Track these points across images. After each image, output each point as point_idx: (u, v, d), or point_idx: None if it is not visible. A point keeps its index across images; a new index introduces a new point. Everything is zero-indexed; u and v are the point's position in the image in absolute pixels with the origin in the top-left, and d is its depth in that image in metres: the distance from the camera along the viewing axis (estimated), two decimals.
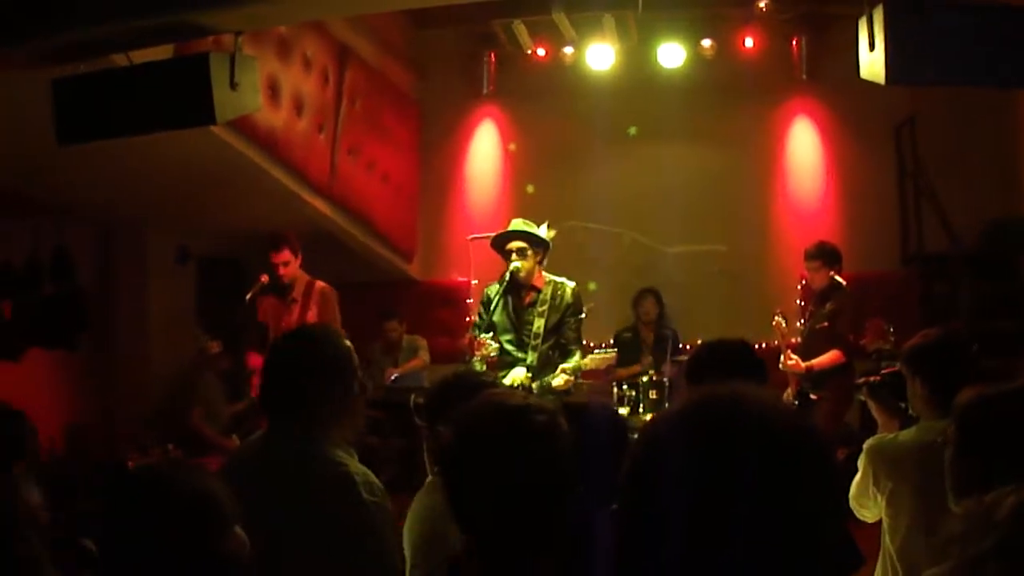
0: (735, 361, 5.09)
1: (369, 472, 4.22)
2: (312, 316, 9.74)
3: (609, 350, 9.70)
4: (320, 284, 10.06)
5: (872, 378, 5.77)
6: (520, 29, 13.39)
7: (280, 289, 9.96)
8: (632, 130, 14.22)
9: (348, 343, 4.47)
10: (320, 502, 4.02)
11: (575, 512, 2.88)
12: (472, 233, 13.36)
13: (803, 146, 14.75)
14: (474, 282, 12.54)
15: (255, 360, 10.49)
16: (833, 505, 1.91)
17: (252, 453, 4.47)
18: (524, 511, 2.84)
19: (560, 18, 12.19)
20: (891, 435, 5.42)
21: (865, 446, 5.38)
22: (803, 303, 11.19)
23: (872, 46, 5.75)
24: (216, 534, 2.88)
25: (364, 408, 4.71)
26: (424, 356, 13.44)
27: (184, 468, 3.14)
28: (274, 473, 4.16)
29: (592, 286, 11.71)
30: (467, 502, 2.90)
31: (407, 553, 4.38)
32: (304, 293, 9.97)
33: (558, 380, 8.94)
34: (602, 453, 3.01)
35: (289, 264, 9.86)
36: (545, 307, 9.10)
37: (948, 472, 3.72)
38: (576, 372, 9.09)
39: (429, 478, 4.63)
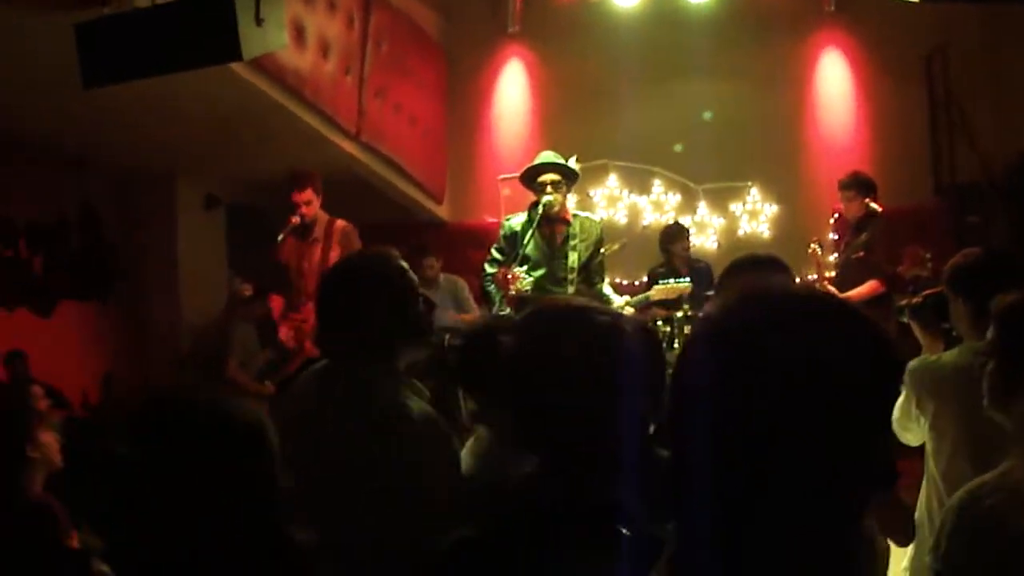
0: (766, 267, 5.06)
1: (431, 409, 4.04)
2: (335, 256, 9.53)
3: (682, 280, 9.57)
4: (340, 222, 9.93)
5: (915, 300, 5.72)
6: None
7: (302, 229, 9.85)
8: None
9: (400, 261, 4.30)
10: (377, 439, 3.86)
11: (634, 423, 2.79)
12: (501, 173, 13.31)
13: (833, 79, 14.66)
14: (503, 221, 12.52)
15: (276, 302, 10.41)
16: (885, 395, 1.87)
17: (310, 389, 4.28)
18: (590, 418, 2.74)
19: None
20: (934, 357, 5.36)
21: (908, 368, 5.31)
22: (837, 236, 11.11)
23: None
24: (269, 471, 2.78)
25: (431, 325, 4.55)
26: (473, 305, 13.35)
27: (232, 397, 3.00)
28: (332, 410, 4.03)
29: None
30: (529, 411, 2.81)
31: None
32: (325, 233, 9.86)
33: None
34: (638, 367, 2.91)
35: (311, 203, 9.74)
36: (576, 241, 9.03)
37: (987, 378, 3.65)
38: (640, 304, 9.07)
39: (472, 437, 4.41)
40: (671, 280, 9.55)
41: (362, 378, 4.06)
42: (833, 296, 1.92)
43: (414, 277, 4.32)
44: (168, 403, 2.82)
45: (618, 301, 9.03)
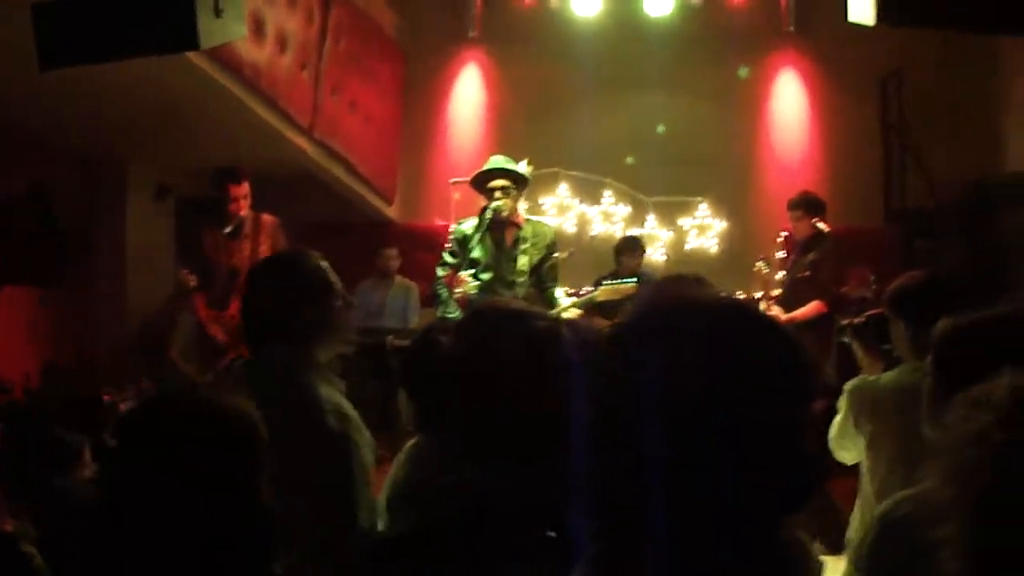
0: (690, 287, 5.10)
1: (344, 401, 4.16)
2: (264, 251, 9.51)
3: (628, 280, 9.56)
4: (267, 217, 9.88)
5: (857, 320, 5.79)
6: None
7: (237, 223, 9.79)
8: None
9: (320, 261, 4.45)
10: (288, 430, 3.64)
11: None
12: (453, 177, 13.34)
13: (788, 98, 14.78)
14: (454, 225, 12.56)
15: (199, 300, 10.30)
16: (795, 391, 1.90)
17: (234, 381, 4.45)
18: (528, 419, 2.75)
19: None
20: (873, 377, 5.43)
21: (846, 387, 5.41)
22: (785, 255, 11.21)
23: None
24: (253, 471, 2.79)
25: (349, 323, 4.79)
26: (416, 312, 13.38)
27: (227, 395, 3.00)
28: (256, 398, 4.08)
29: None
30: (468, 413, 2.83)
31: (386, 498, 4.23)
32: (253, 228, 9.81)
33: (568, 313, 8.86)
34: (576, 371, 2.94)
35: (247, 197, 9.72)
36: (527, 245, 9.06)
37: (925, 401, 3.70)
38: (586, 304, 9.08)
39: (412, 441, 4.43)
40: (618, 281, 9.55)
41: (280, 367, 4.20)
42: (744, 303, 1.94)
43: (333, 277, 4.44)
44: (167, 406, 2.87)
45: (565, 303, 9.06)
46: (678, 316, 1.87)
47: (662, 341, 1.81)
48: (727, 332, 1.84)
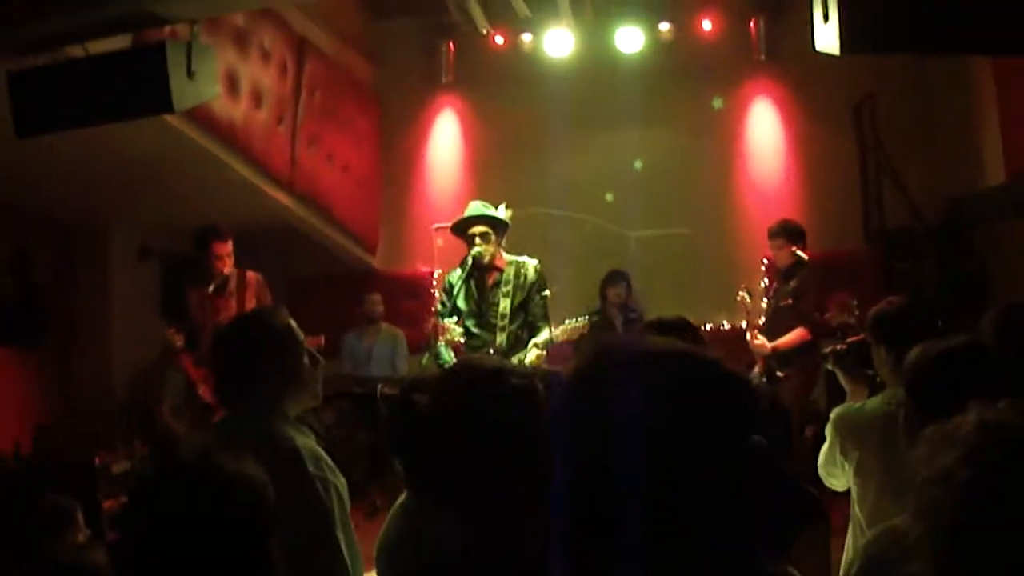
0: (671, 330, 5.12)
1: (317, 448, 4.37)
2: (251, 306, 9.56)
3: (580, 319, 9.54)
4: (252, 274, 9.93)
5: (838, 346, 5.82)
6: (475, 9, 13.38)
7: (221, 281, 9.83)
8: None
9: (287, 320, 4.62)
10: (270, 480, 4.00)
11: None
12: (435, 222, 13.37)
13: (763, 127, 14.79)
14: (437, 272, 12.54)
15: (186, 360, 10.27)
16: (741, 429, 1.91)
17: (215, 441, 4.48)
18: (506, 475, 2.78)
19: None
20: (857, 404, 5.47)
21: (832, 415, 5.43)
22: (767, 283, 11.24)
23: (826, 17, 5.76)
24: (266, 532, 2.84)
25: (318, 378, 4.73)
26: (405, 360, 13.39)
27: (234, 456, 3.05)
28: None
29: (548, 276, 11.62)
30: (447, 471, 2.86)
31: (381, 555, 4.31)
32: (238, 285, 9.85)
33: (530, 356, 8.83)
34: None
35: (231, 256, 9.75)
36: (509, 287, 9.11)
37: (903, 429, 3.74)
38: (547, 346, 9.05)
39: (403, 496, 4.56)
40: (574, 320, 9.52)
41: (253, 422, 4.35)
42: (686, 349, 1.94)
43: (299, 334, 4.62)
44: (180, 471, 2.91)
45: (539, 340, 9.06)
46: (617, 365, 1.89)
47: (608, 390, 1.84)
48: (662, 380, 1.84)
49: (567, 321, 9.39)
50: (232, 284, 9.81)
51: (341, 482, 4.32)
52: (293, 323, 4.63)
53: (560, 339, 9.23)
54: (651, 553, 1.77)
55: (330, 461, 4.33)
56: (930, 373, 3.66)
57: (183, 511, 2.74)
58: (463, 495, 2.80)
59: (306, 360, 4.59)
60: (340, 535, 4.22)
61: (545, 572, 2.15)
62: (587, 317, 9.60)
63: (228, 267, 9.75)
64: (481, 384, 2.93)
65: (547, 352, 9.08)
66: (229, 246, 9.71)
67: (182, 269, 11.86)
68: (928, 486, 1.93)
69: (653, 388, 1.82)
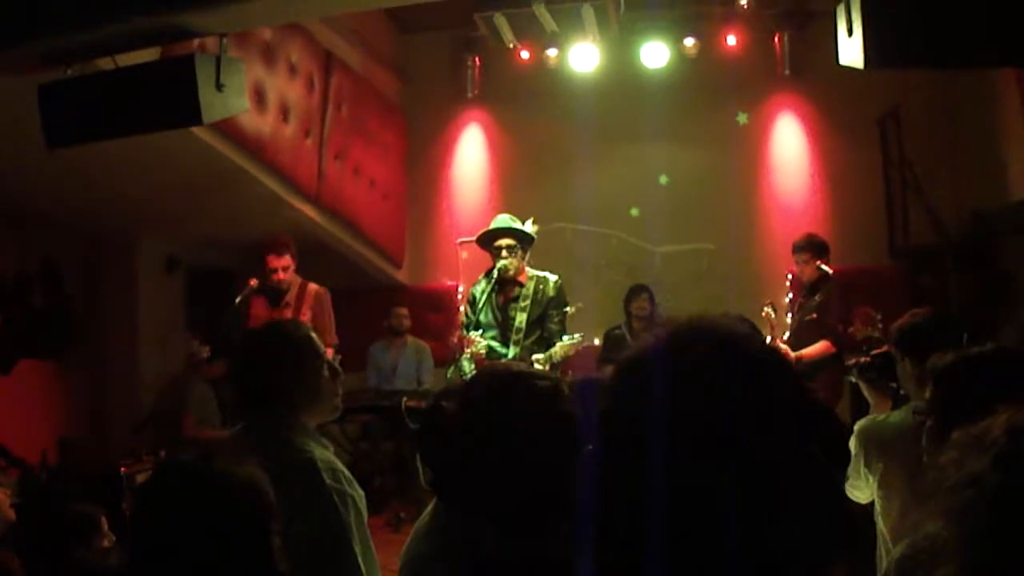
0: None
1: (334, 459, 4.37)
2: (306, 320, 9.47)
3: (576, 336, 9.51)
4: (313, 286, 9.98)
5: (863, 359, 5.82)
6: (502, 23, 13.40)
7: (274, 294, 9.86)
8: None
9: (308, 331, 4.66)
10: (286, 490, 3.82)
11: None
12: (460, 236, 13.39)
13: (788, 141, 14.77)
14: (462, 286, 12.56)
15: (213, 371, 10.32)
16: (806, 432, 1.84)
17: (230, 449, 4.49)
18: (533, 478, 2.79)
19: (540, 10, 12.21)
20: (881, 416, 5.46)
21: (856, 427, 5.42)
22: (792, 297, 11.21)
23: (850, 32, 5.76)
24: (267, 532, 2.89)
25: (338, 391, 4.74)
26: (430, 374, 13.40)
27: (234, 459, 3.10)
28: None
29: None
30: (475, 476, 2.87)
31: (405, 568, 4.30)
32: (297, 297, 9.88)
33: None
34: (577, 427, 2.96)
35: (288, 269, 9.77)
36: (527, 302, 9.14)
37: (926, 435, 3.75)
38: (548, 361, 9.04)
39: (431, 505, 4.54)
40: (570, 338, 9.49)
41: (272, 431, 4.35)
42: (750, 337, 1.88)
43: (320, 346, 4.64)
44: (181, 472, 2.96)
45: (539, 357, 9.06)
46: (683, 350, 1.85)
47: (668, 374, 1.81)
48: (733, 366, 1.81)
49: (564, 337, 9.38)
50: (291, 296, 9.87)
51: (359, 494, 4.32)
52: (314, 335, 4.65)
53: (559, 355, 9.21)
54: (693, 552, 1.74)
55: (347, 472, 4.33)
56: (957, 378, 3.66)
57: (182, 509, 2.83)
58: (491, 500, 2.81)
59: (326, 372, 4.61)
60: (357, 548, 4.21)
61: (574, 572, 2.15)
62: (581, 335, 9.57)
63: (287, 279, 9.81)
64: (505, 387, 2.95)
65: (548, 368, 9.05)
66: (286, 259, 9.75)
67: (216, 276, 11.94)
68: (958, 490, 1.92)
69: (733, 375, 1.79)
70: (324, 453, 4.34)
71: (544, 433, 2.78)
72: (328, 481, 4.18)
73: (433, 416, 4.10)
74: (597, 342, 12.56)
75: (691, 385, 1.78)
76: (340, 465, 4.34)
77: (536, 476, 2.75)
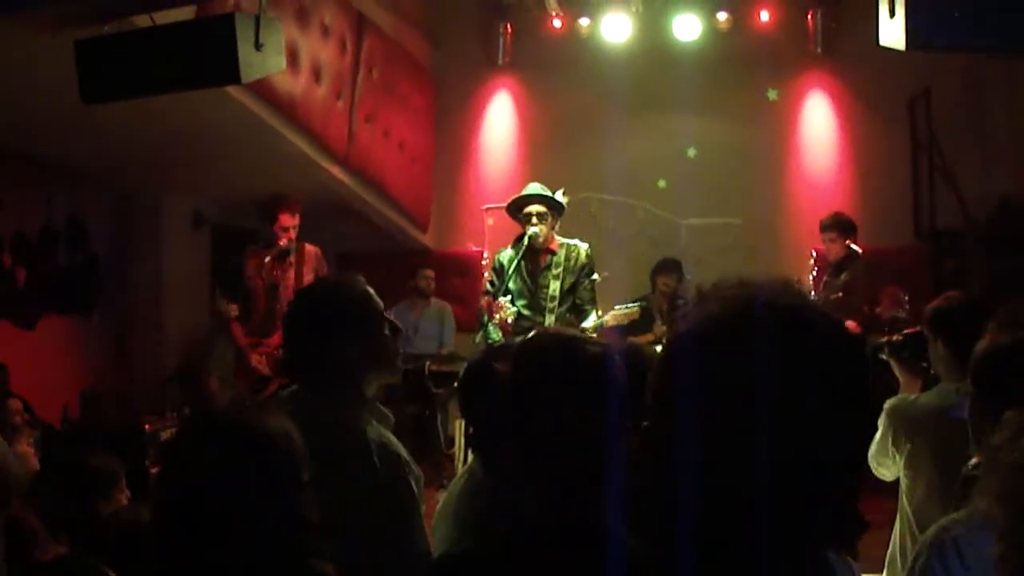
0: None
1: (391, 439, 4.03)
2: (308, 280, 9.64)
3: (632, 305, 9.51)
4: (311, 247, 10.12)
5: (895, 337, 5.82)
6: None
7: (280, 252, 9.92)
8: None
9: (365, 286, 4.29)
10: (335, 468, 3.54)
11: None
12: (486, 203, 13.39)
13: (817, 119, 14.74)
14: (486, 253, 12.56)
15: (236, 329, 10.28)
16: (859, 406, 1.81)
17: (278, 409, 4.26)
18: (580, 446, 2.81)
19: None
20: (912, 396, 5.47)
21: (886, 406, 5.42)
22: (816, 275, 11.20)
23: (892, 13, 5.75)
24: (300, 482, 2.90)
25: (399, 350, 4.41)
26: (452, 335, 13.39)
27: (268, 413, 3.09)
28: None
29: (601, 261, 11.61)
30: (520, 439, 2.88)
31: (442, 531, 4.11)
32: (297, 257, 10.00)
33: None
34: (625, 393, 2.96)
35: (296, 228, 9.89)
36: (560, 269, 9.12)
37: (970, 421, 3.74)
38: (597, 330, 9.03)
39: (467, 464, 4.37)
40: (626, 305, 9.50)
41: (325, 405, 4.04)
42: (811, 306, 1.84)
43: (379, 303, 4.29)
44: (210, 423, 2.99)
45: (587, 324, 9.05)
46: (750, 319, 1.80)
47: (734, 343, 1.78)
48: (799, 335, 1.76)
49: (617, 307, 9.40)
50: (292, 256, 9.89)
51: (416, 475, 4.00)
52: (371, 290, 4.28)
53: (610, 324, 9.21)
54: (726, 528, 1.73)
55: (404, 453, 4.04)
56: (1002, 363, 3.65)
57: (210, 458, 2.82)
58: (534, 464, 2.82)
59: (387, 331, 4.27)
60: (418, 533, 3.95)
61: (605, 543, 2.14)
62: (638, 304, 9.62)
63: (291, 238, 9.87)
64: (558, 350, 2.95)
65: (595, 336, 9.06)
66: (297, 218, 9.82)
67: (242, 234, 11.96)
68: (1012, 471, 1.92)
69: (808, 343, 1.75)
70: (378, 433, 4.01)
71: (593, 400, 2.78)
72: (378, 463, 3.90)
73: (481, 375, 4.06)
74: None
75: (762, 361, 1.72)
76: (396, 444, 4.02)
77: (582, 442, 2.75)
